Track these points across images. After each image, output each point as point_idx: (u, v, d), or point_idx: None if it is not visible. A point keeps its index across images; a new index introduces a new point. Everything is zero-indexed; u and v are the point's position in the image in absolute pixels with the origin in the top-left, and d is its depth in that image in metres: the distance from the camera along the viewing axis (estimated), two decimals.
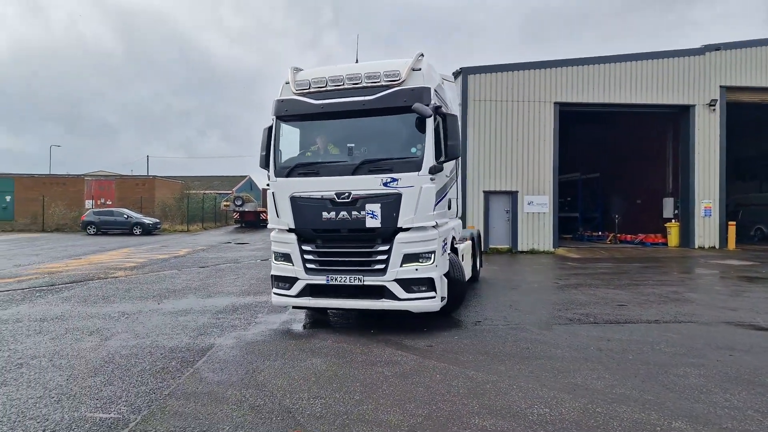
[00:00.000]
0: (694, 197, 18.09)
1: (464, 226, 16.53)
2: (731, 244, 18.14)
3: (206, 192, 41.16)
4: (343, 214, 6.07)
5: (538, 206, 17.71)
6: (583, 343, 5.81)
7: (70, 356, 5.36)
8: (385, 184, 5.94)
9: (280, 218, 6.42)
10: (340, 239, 6.23)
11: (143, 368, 4.91)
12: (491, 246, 17.44)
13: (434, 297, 6.03)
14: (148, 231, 28.20)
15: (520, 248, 17.59)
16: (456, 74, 17.66)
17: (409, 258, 5.96)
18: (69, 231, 30.43)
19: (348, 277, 6.13)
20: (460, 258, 7.55)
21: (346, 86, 6.25)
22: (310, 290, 6.30)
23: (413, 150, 6.08)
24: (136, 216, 28.74)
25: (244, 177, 61.44)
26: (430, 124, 5.99)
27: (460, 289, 6.99)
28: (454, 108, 8.09)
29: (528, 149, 17.58)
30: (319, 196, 6.16)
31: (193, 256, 16.35)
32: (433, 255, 6.02)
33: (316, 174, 6.28)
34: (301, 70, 6.70)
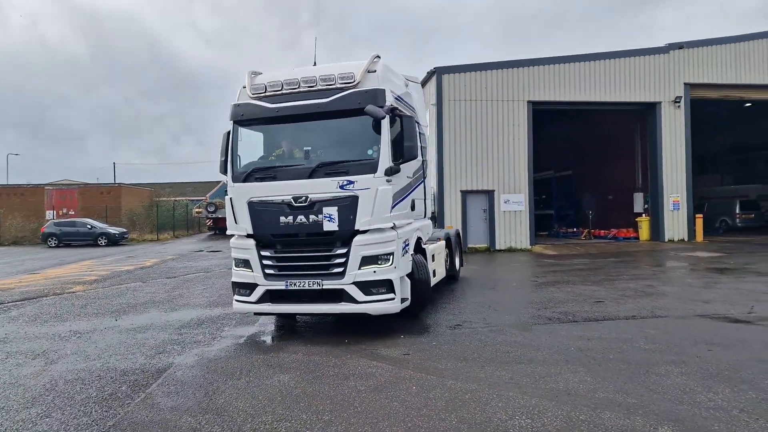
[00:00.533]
0: (663, 192, 18.44)
1: (442, 226, 16.42)
2: (699, 236, 18.56)
3: (177, 199, 39.94)
4: (301, 218, 6.01)
5: (515, 204, 17.72)
6: (563, 343, 5.63)
7: (6, 384, 4.84)
8: (341, 187, 5.90)
9: (239, 224, 6.34)
10: (298, 244, 6.15)
11: (88, 395, 4.45)
12: (470, 245, 17.32)
13: (393, 299, 5.97)
14: (114, 241, 27.06)
15: (498, 247, 17.54)
16: (430, 74, 17.54)
17: (367, 260, 5.91)
18: (28, 244, 28.92)
19: (307, 281, 6.05)
20: (430, 258, 7.52)
21: (301, 89, 6.22)
22: (270, 296, 6.22)
23: (369, 152, 6.02)
24: (101, 226, 27.54)
25: (218, 182, 59.98)
26: (385, 125, 5.95)
27: (425, 290, 6.92)
28: (421, 109, 7.96)
29: (503, 148, 17.57)
30: (277, 201, 6.10)
31: (161, 267, 15.65)
32: (391, 257, 5.98)
33: (274, 178, 6.23)
34: (260, 74, 6.63)
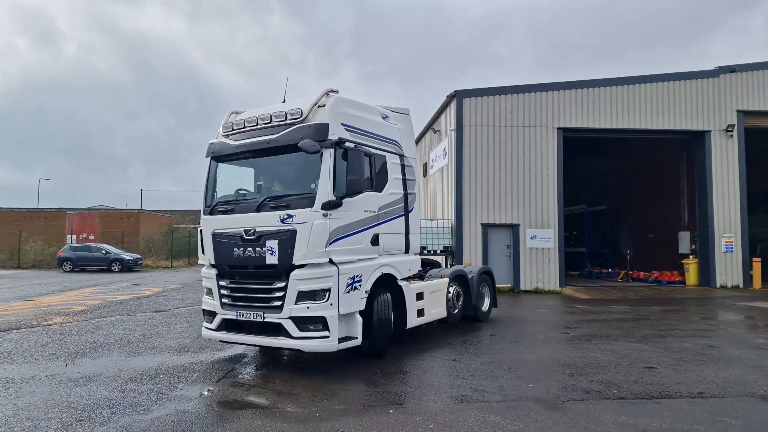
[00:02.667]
0: (714, 231, 16.42)
1: (460, 262, 14.93)
2: (757, 282, 16.31)
3: (196, 226, 39.75)
4: (249, 250, 6.17)
5: (542, 241, 16.06)
6: None
7: None
8: (282, 221, 5.97)
9: (205, 254, 6.69)
10: (247, 275, 6.33)
11: None
12: None
13: (328, 337, 5.83)
14: (128, 267, 26.63)
15: (522, 287, 15.82)
16: (450, 97, 16.47)
17: (303, 295, 5.88)
18: (46, 268, 28.87)
19: (252, 313, 6.16)
20: (413, 297, 7.41)
21: (258, 126, 6.50)
22: (226, 325, 6.44)
23: (312, 186, 6.03)
24: (116, 251, 27.18)
25: None
26: (326, 159, 6.00)
27: (385, 332, 6.66)
28: (408, 141, 7.84)
29: (530, 178, 16.10)
30: (233, 233, 6.33)
31: (159, 297, 14.66)
32: (327, 293, 5.88)
33: (232, 211, 6.50)
34: (240, 113, 6.94)
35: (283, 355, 7.19)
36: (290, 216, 5.94)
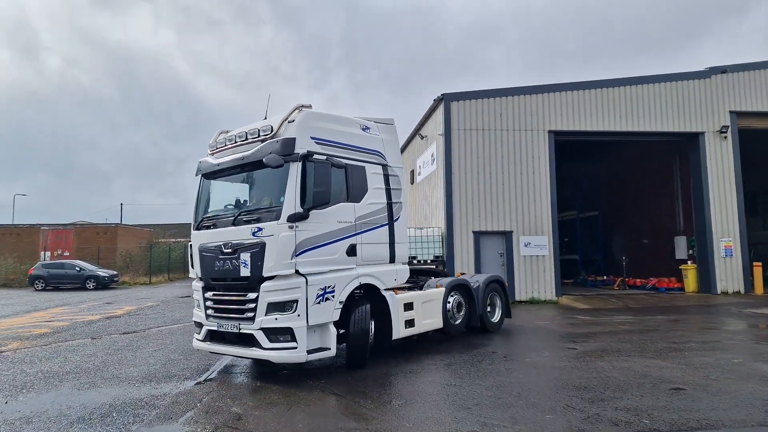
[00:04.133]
0: (711, 235, 15.97)
1: (452, 271, 14.17)
2: (758, 288, 15.85)
3: (176, 240, 38.41)
4: (227, 263, 6.37)
5: (537, 248, 15.41)
6: None
7: None
8: (253, 234, 6.15)
9: (194, 267, 7.02)
10: (226, 287, 6.52)
11: None
12: None
13: (296, 348, 5.94)
14: (104, 285, 25.31)
15: (517, 297, 15.10)
16: (437, 101, 15.87)
17: (271, 307, 6.00)
18: (17, 286, 27.35)
19: (230, 323, 6.37)
20: (401, 307, 7.41)
21: (236, 144, 6.81)
22: (211, 336, 6.71)
23: (282, 199, 6.16)
24: (90, 268, 25.85)
25: None
26: (293, 172, 6.16)
27: (362, 343, 6.69)
28: (392, 151, 7.84)
29: (522, 183, 15.50)
30: (214, 247, 6.56)
31: (131, 317, 13.59)
32: (295, 304, 5.99)
33: (215, 226, 6.77)
34: (228, 132, 7.12)
35: (257, 380, 6.31)
36: (260, 229, 6.12)
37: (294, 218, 6.02)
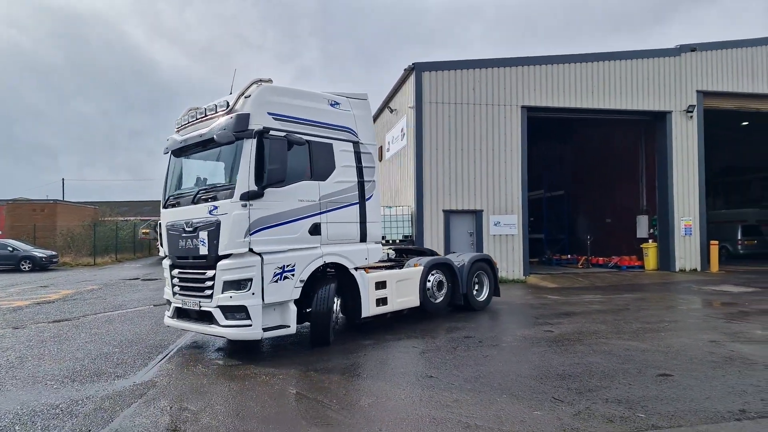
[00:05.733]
0: (673, 214, 16.18)
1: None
2: (714, 266, 16.27)
3: (125, 219, 36.01)
4: (188, 241, 6.41)
5: (506, 228, 15.09)
6: None
7: None
8: (210, 212, 6.12)
9: (162, 246, 7.08)
10: (189, 266, 6.56)
11: None
12: None
13: (251, 325, 6.00)
14: (41, 266, 23.22)
15: None
16: (408, 71, 15.00)
17: (227, 285, 6.02)
18: None
19: (192, 301, 6.42)
20: (372, 286, 7.38)
21: (198, 120, 6.69)
22: (177, 312, 6.82)
23: (237, 177, 6.05)
24: (25, 248, 23.63)
25: None
26: (246, 149, 6.04)
27: (325, 322, 6.65)
28: (365, 128, 7.57)
29: (494, 161, 15.02)
30: (179, 225, 6.59)
31: (66, 302, 12.25)
32: (249, 282, 6.00)
33: (178, 204, 6.80)
34: (198, 108, 6.92)
35: (204, 378, 5.47)
36: (216, 207, 6.06)
37: (247, 196, 5.95)
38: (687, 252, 16.23)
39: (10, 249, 23.21)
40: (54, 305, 11.82)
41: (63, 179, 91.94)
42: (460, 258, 9.52)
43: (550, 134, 21.49)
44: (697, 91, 16.04)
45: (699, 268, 16.25)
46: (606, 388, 4.87)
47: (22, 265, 22.85)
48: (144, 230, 30.21)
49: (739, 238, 22.23)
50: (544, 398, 4.62)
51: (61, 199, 40.73)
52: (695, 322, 8.39)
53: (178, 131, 7.09)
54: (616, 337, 7.18)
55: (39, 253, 23.60)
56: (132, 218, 37.98)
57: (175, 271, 6.73)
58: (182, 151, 7.00)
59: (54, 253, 24.58)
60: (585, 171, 22.18)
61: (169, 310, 7.01)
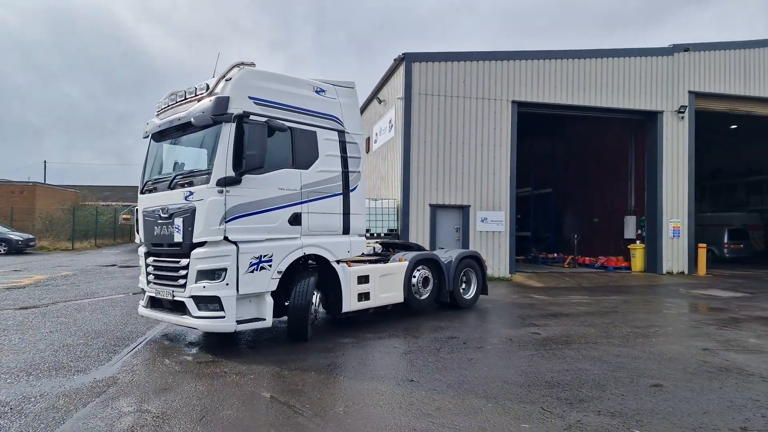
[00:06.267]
0: (662, 216, 16.09)
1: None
2: (702, 269, 16.26)
3: (107, 203, 35.10)
4: (164, 228, 6.22)
5: (493, 224, 14.85)
6: None
7: None
8: (185, 198, 5.96)
9: (138, 233, 6.84)
10: (162, 253, 6.35)
11: None
12: None
13: (224, 317, 5.76)
14: (18, 249, 22.59)
15: None
16: (398, 61, 14.59)
17: (201, 274, 5.82)
18: None
19: (165, 290, 6.23)
20: (354, 280, 7.15)
21: (177, 103, 6.50)
22: (151, 302, 6.62)
23: (215, 161, 5.85)
24: (1, 230, 22.91)
25: None
26: (224, 133, 5.82)
27: (303, 316, 6.37)
28: (351, 117, 7.31)
29: (482, 155, 14.73)
30: (154, 211, 6.39)
31: (37, 288, 11.70)
32: (224, 273, 5.77)
33: (155, 190, 6.58)
34: (178, 92, 6.70)
35: (170, 377, 5.09)
36: (191, 193, 5.89)
37: (224, 182, 5.73)
38: (675, 254, 16.18)
39: None
40: (24, 291, 11.29)
41: (45, 161, 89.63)
42: (448, 254, 9.27)
43: (540, 131, 21.27)
44: (689, 92, 15.91)
45: (686, 271, 16.22)
46: (598, 399, 4.60)
47: None
48: (125, 215, 29.43)
49: (726, 241, 22.31)
50: (532, 409, 4.33)
51: (42, 181, 39.62)
52: (686, 328, 8.21)
53: (158, 115, 6.86)
54: (605, 342, 6.95)
55: (15, 236, 22.88)
56: (114, 203, 37.07)
57: (150, 259, 6.52)
58: (161, 135, 6.76)
59: (31, 236, 23.85)
60: (573, 169, 22.05)
61: (143, 300, 6.80)
